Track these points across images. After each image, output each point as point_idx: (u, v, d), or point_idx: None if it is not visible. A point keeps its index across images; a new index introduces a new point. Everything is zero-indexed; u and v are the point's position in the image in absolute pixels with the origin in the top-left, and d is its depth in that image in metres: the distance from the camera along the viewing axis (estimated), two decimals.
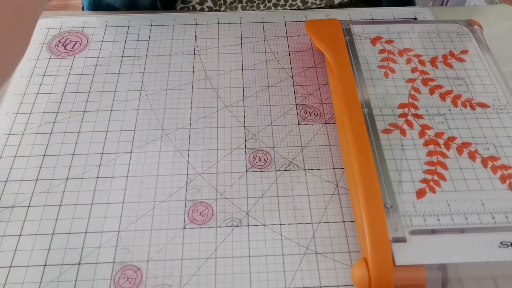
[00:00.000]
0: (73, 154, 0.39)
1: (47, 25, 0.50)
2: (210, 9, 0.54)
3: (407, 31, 0.46)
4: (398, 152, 0.36)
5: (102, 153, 0.39)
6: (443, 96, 0.40)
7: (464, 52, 0.44)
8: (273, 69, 0.46)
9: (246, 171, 0.38)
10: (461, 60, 0.44)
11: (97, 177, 0.38)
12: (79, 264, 0.33)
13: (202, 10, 0.54)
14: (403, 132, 0.38)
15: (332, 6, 0.56)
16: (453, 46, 0.45)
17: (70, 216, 0.36)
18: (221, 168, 0.39)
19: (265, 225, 0.36)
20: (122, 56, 0.47)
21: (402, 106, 0.39)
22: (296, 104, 0.43)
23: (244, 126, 0.41)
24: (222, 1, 0.54)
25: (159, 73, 0.45)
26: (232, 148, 0.40)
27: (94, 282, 0.33)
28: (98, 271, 0.33)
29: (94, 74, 0.45)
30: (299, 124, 0.42)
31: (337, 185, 0.38)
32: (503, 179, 0.35)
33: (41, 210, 0.36)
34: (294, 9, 0.54)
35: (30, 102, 0.43)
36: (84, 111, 0.42)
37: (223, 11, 0.54)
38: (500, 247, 0.31)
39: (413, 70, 0.43)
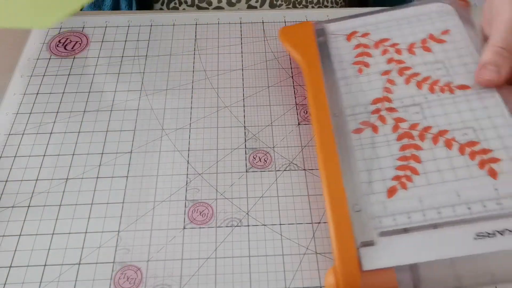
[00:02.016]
0: (73, 154, 0.39)
1: None
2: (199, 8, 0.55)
3: (385, 20, 0.44)
4: (369, 151, 0.35)
5: (102, 153, 0.39)
6: (419, 84, 0.38)
7: (445, 32, 0.41)
8: (273, 69, 0.46)
9: (246, 171, 0.38)
10: (441, 42, 0.41)
11: (97, 177, 0.38)
12: (79, 264, 0.33)
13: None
14: (375, 129, 0.36)
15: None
16: (433, 28, 0.42)
17: (70, 216, 0.36)
18: (221, 168, 0.39)
19: (265, 225, 0.36)
20: (122, 56, 0.47)
21: (376, 101, 0.38)
22: (296, 104, 0.43)
23: (244, 126, 0.41)
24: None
25: (159, 73, 0.45)
26: (232, 148, 0.40)
27: (94, 282, 0.33)
28: (98, 271, 0.33)
29: (94, 74, 0.45)
30: (299, 124, 0.42)
31: None
32: (482, 164, 0.33)
33: (41, 210, 0.36)
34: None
35: (30, 102, 0.43)
36: (84, 111, 0.42)
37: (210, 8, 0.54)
38: (476, 239, 0.29)
39: (389, 61, 0.40)
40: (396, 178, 0.33)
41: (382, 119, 0.37)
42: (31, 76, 0.45)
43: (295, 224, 0.35)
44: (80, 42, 0.48)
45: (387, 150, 0.35)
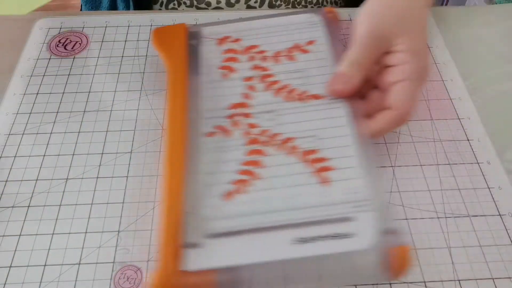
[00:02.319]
0: (73, 154, 0.39)
1: (47, 25, 0.50)
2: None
3: (258, 27, 0.44)
4: (217, 154, 0.35)
5: (102, 153, 0.39)
6: (277, 92, 0.39)
7: (311, 42, 0.42)
8: None
9: None
10: (306, 52, 0.42)
11: (97, 177, 0.38)
12: (79, 264, 0.33)
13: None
14: (228, 133, 0.37)
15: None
16: (300, 38, 0.43)
17: (70, 216, 0.36)
18: None
19: None
20: (122, 56, 0.47)
21: (233, 106, 0.38)
22: None
23: None
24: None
25: (159, 73, 0.45)
26: None
27: (94, 282, 0.33)
28: (98, 271, 0.33)
29: (94, 74, 0.45)
30: None
31: None
32: (317, 172, 0.34)
33: (41, 210, 0.36)
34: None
35: (30, 102, 0.43)
36: (84, 111, 0.42)
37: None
38: (297, 243, 0.30)
39: (254, 67, 0.41)
40: (237, 182, 0.34)
41: (236, 124, 0.37)
42: (31, 76, 0.45)
43: None
44: (80, 42, 0.48)
45: (234, 154, 0.35)
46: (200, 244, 0.30)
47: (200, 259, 0.30)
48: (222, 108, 0.38)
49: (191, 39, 0.44)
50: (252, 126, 0.37)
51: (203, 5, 0.55)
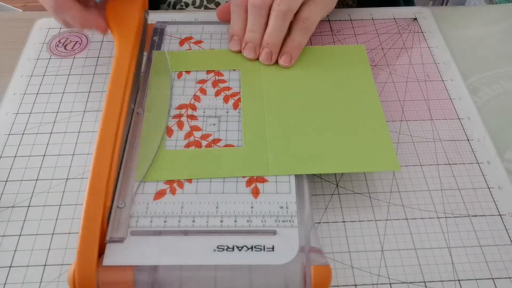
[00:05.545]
0: (73, 154, 0.39)
1: (47, 25, 0.50)
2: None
3: (221, 32, 0.45)
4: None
5: None
6: (227, 98, 0.39)
7: None
8: None
9: None
10: None
11: None
12: None
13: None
14: (169, 133, 0.37)
15: None
16: None
17: (70, 216, 0.36)
18: None
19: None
20: None
21: (180, 107, 0.39)
22: None
23: None
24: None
25: None
26: None
27: None
28: None
29: (94, 74, 0.45)
30: None
31: (337, 185, 0.38)
32: (249, 182, 0.34)
33: (41, 210, 0.36)
34: None
35: (30, 102, 0.43)
36: (84, 111, 0.42)
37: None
38: (215, 250, 0.30)
39: (209, 71, 0.42)
40: (169, 182, 0.34)
41: (180, 124, 0.38)
42: (31, 76, 0.45)
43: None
44: (80, 42, 0.48)
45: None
46: (124, 240, 0.31)
47: (121, 255, 0.30)
48: (168, 107, 0.39)
49: (154, 35, 0.45)
50: (195, 128, 0.37)
51: (212, 5, 0.55)
